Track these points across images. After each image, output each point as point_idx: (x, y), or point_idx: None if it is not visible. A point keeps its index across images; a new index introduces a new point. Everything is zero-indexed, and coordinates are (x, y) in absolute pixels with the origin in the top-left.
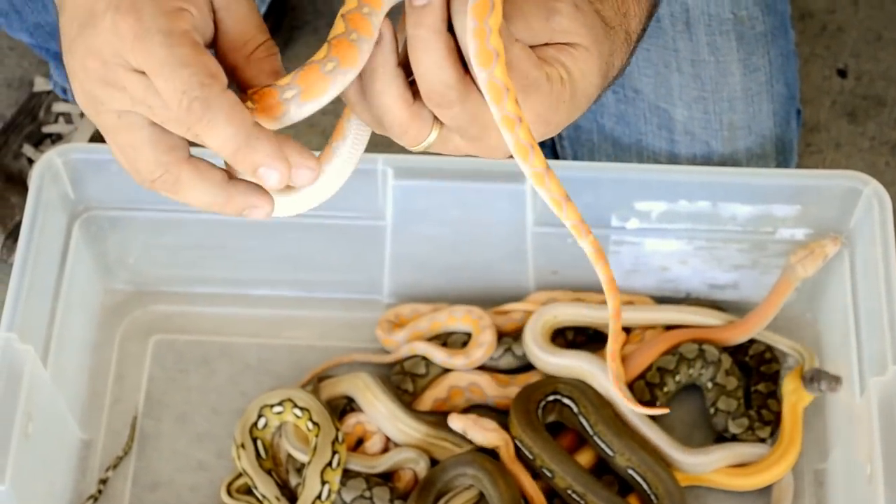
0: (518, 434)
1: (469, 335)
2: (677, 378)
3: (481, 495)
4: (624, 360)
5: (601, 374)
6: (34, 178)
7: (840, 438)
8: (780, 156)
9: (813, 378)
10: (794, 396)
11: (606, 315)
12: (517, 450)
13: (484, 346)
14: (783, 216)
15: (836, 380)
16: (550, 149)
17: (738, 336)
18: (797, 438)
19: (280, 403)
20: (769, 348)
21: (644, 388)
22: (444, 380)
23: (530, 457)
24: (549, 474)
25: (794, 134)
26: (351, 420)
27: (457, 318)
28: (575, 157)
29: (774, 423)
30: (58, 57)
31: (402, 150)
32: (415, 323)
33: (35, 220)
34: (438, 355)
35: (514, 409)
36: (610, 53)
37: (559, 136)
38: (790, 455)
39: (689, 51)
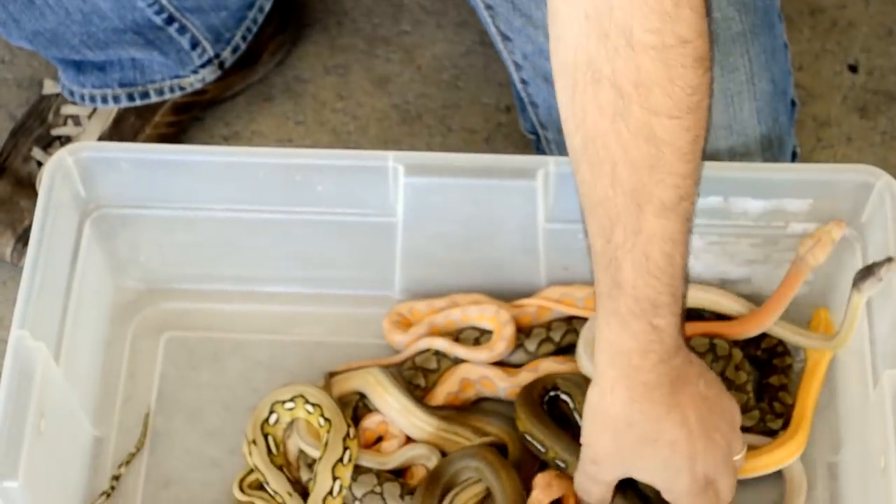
0: (527, 429)
1: (481, 331)
2: None
3: (489, 490)
4: None
5: None
6: (45, 177)
7: (853, 431)
8: (767, 152)
9: (864, 275)
10: (812, 359)
11: None
12: (525, 446)
13: (506, 340)
14: (795, 210)
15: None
16: (542, 150)
17: (750, 329)
18: (808, 418)
19: (292, 399)
20: (781, 342)
21: None
22: (455, 373)
23: (542, 450)
24: (562, 465)
25: (785, 128)
26: (376, 418)
27: (471, 317)
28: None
29: (786, 415)
30: (63, 61)
31: (413, 146)
32: (431, 318)
33: (46, 218)
34: (461, 351)
35: (519, 405)
36: None
37: (546, 138)
38: (801, 434)
39: None
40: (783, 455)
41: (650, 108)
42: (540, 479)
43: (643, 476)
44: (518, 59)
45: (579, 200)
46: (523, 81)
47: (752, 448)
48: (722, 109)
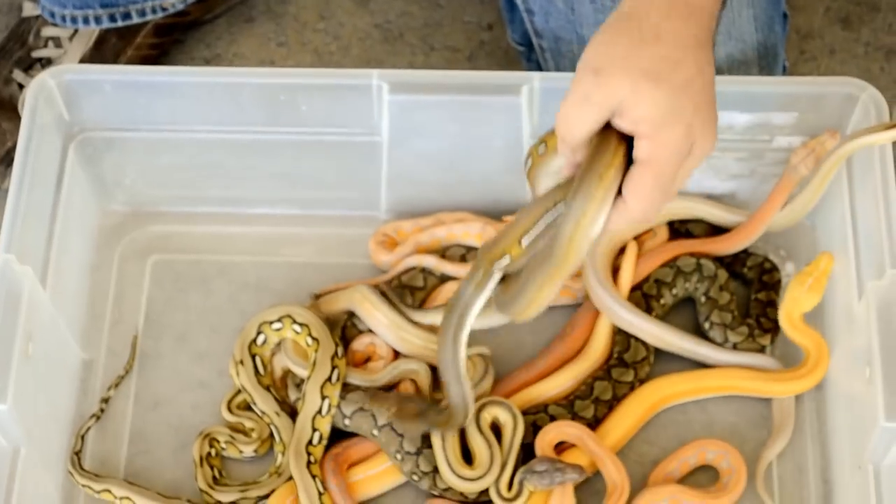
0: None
1: (467, 248)
2: (674, 291)
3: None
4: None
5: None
6: (28, 101)
7: (839, 342)
8: (763, 61)
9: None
10: (788, 305)
11: None
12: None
13: None
14: (780, 124)
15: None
16: (534, 61)
17: (743, 239)
18: (824, 346)
19: (279, 320)
20: (768, 258)
21: (640, 299)
22: (442, 291)
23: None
24: None
25: (780, 38)
26: (364, 339)
27: (456, 235)
28: (557, 69)
29: (773, 330)
30: None
31: (395, 65)
32: (416, 236)
33: (30, 142)
34: (449, 268)
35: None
36: None
37: (540, 48)
38: (823, 362)
39: None
40: (795, 387)
41: None
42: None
43: (640, 107)
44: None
45: None
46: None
47: (780, 372)
48: None
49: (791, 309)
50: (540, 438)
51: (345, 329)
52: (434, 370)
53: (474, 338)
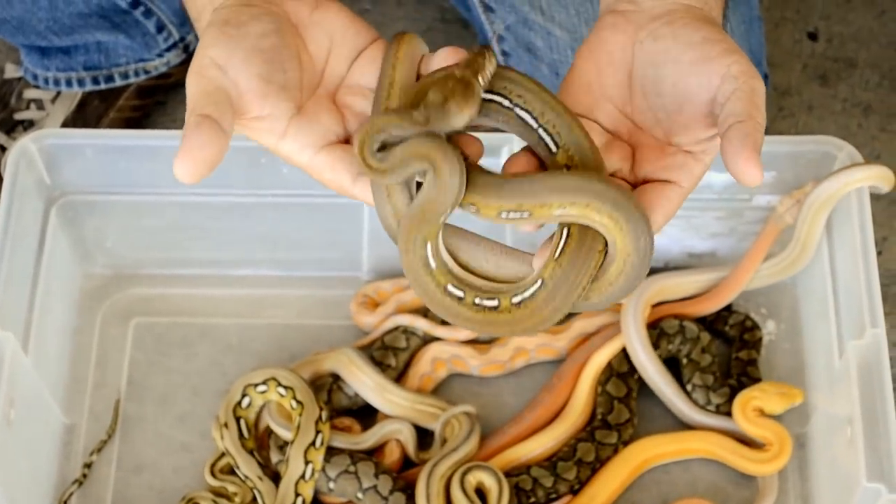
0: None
1: None
2: (658, 352)
3: None
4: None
5: None
6: (9, 165)
7: (820, 402)
8: None
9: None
10: (742, 399)
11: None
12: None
13: None
14: (759, 183)
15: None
16: None
17: (732, 290)
18: (784, 433)
19: (264, 382)
20: (749, 316)
21: (623, 359)
22: (426, 353)
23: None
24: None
25: None
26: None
27: None
28: None
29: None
30: (27, 46)
31: None
32: (398, 296)
33: (11, 206)
34: (423, 324)
35: None
36: None
37: None
38: (782, 458)
39: None
40: (764, 470)
41: None
42: None
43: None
44: (500, 31)
45: None
46: (504, 53)
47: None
48: None
49: (744, 402)
50: None
51: (330, 392)
52: (420, 430)
53: (457, 396)
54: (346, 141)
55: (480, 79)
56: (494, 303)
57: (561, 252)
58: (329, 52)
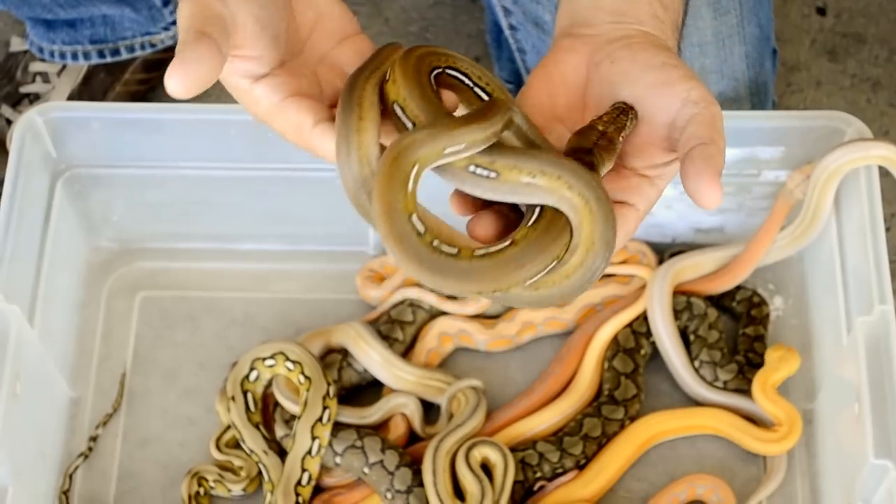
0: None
1: None
2: None
3: None
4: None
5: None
6: (15, 138)
7: (828, 378)
8: (755, 97)
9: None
10: (763, 375)
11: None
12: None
13: None
14: (767, 158)
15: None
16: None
17: (746, 268)
18: (795, 416)
19: (272, 357)
20: (756, 292)
21: (630, 335)
22: (433, 328)
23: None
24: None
25: (770, 75)
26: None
27: None
28: None
29: (762, 365)
30: (33, 19)
31: None
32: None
33: (17, 179)
34: (431, 298)
35: (399, 67)
36: None
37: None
38: (795, 432)
39: None
40: (770, 450)
41: None
42: None
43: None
44: (507, 5)
45: None
46: (512, 27)
47: (765, 430)
48: (714, 52)
49: (765, 378)
50: None
51: (340, 369)
52: (426, 405)
53: (464, 371)
54: None
55: (621, 139)
56: (454, 250)
57: (535, 222)
58: (313, 28)
